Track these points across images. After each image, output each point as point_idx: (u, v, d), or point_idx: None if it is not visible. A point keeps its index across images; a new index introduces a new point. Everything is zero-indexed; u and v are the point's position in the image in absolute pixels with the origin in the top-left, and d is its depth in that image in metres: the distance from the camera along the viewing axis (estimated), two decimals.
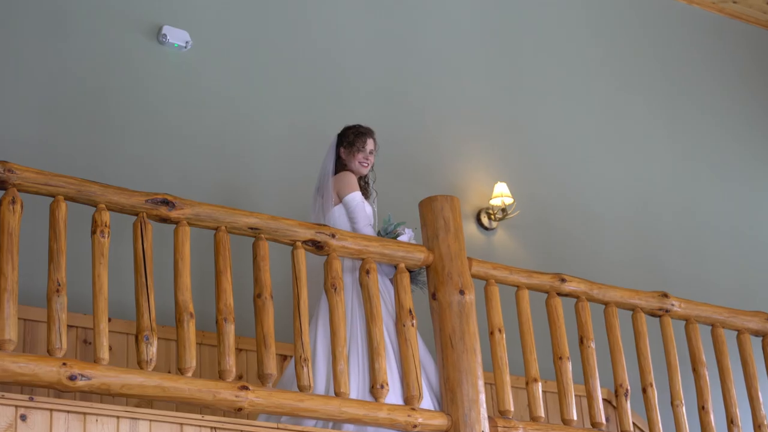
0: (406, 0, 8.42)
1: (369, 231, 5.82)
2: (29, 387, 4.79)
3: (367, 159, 6.12)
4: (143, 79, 7.02)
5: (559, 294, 5.92)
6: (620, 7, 9.58)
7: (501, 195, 8.00)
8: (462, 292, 5.49)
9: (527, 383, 5.65)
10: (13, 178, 4.57)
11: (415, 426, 5.19)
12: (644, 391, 6.02)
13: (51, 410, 4.30)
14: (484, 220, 8.03)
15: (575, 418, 5.70)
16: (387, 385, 5.24)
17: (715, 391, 6.30)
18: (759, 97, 10.04)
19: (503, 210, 8.02)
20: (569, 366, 5.77)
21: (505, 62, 8.72)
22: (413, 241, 5.82)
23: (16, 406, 4.22)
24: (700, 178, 9.38)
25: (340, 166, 6.11)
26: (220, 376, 4.83)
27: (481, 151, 8.28)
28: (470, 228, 7.94)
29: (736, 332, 6.48)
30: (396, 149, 7.49)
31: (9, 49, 6.62)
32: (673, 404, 6.08)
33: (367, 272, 5.43)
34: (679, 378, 6.12)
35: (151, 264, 4.80)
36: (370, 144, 6.14)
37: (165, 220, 4.95)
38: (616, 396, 5.92)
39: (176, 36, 7.16)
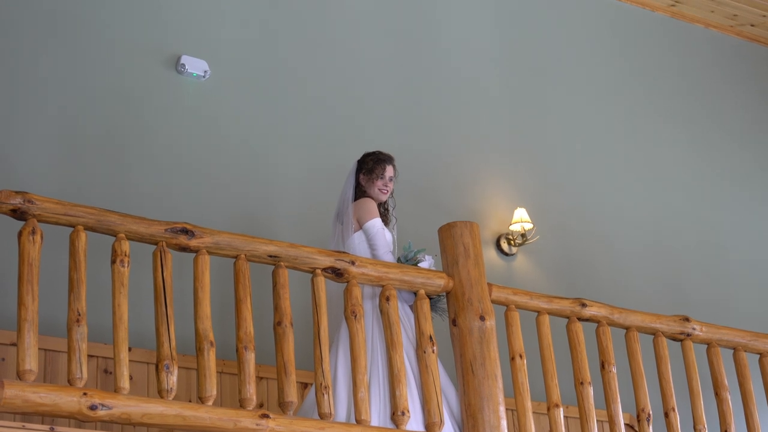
0: (425, 27, 8.44)
1: (389, 258, 5.82)
2: (50, 417, 4.79)
3: (387, 186, 6.12)
4: (162, 109, 7.05)
5: (580, 319, 5.90)
6: (641, 34, 9.59)
7: (521, 220, 7.99)
8: (482, 318, 5.48)
9: (549, 409, 5.63)
10: (33, 209, 4.59)
11: None
12: (666, 415, 5.99)
13: None
14: (504, 245, 8.02)
15: None
16: (408, 412, 5.23)
17: (737, 415, 6.27)
18: None
19: (523, 235, 8.02)
20: (591, 391, 5.74)
21: (525, 88, 8.73)
22: (433, 268, 5.81)
23: None
24: (721, 201, 9.36)
25: (360, 192, 6.12)
26: (241, 404, 4.83)
27: (501, 177, 8.28)
28: (490, 254, 7.93)
29: (758, 355, 6.45)
30: (415, 176, 7.49)
31: (29, 80, 6.65)
32: (696, 429, 6.05)
33: (387, 299, 5.42)
34: (702, 402, 6.09)
35: (171, 293, 4.80)
36: (389, 171, 6.14)
37: (185, 249, 4.96)
38: (639, 421, 5.89)
39: (195, 66, 7.19)
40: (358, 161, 6.20)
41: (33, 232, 4.55)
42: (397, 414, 5.21)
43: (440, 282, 5.56)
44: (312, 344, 5.14)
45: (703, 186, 9.31)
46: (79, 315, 4.54)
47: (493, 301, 5.61)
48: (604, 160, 8.86)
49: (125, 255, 4.74)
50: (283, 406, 4.93)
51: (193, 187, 6.95)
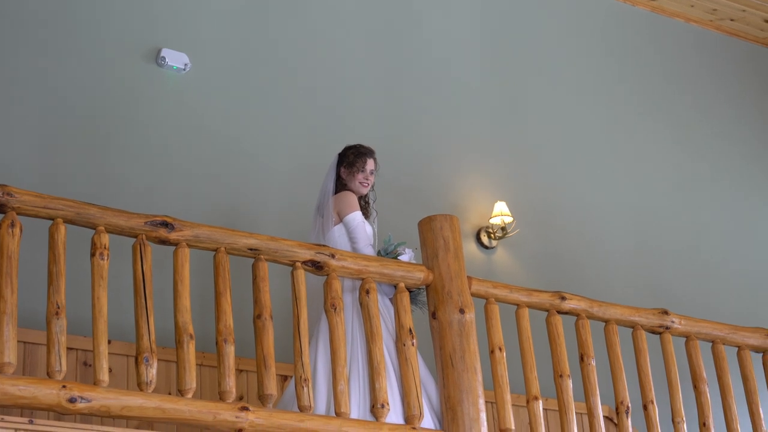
0: (408, 21, 8.45)
1: (369, 251, 5.83)
2: (29, 410, 4.79)
3: (368, 179, 6.13)
4: (142, 102, 7.04)
5: (560, 312, 5.92)
6: (620, 27, 9.60)
7: (501, 214, 8.00)
8: (462, 311, 5.49)
9: (528, 401, 5.65)
10: (12, 202, 4.58)
11: None
12: (645, 408, 6.01)
13: None
14: (484, 239, 8.04)
15: None
16: (388, 404, 5.24)
17: (716, 408, 6.30)
18: (761, 114, 10.05)
19: (503, 229, 8.03)
20: (570, 384, 5.76)
21: (505, 82, 8.74)
22: (413, 261, 5.82)
23: (16, 429, 4.23)
24: (701, 194, 9.38)
25: (341, 185, 6.12)
26: (221, 397, 4.83)
27: (481, 171, 8.29)
28: (470, 247, 7.94)
29: (736, 348, 6.48)
30: (396, 169, 7.50)
31: (7, 73, 6.63)
32: (675, 421, 6.07)
33: (367, 292, 5.43)
34: (680, 395, 6.12)
35: (150, 286, 4.80)
36: (370, 164, 6.15)
37: (164, 242, 4.96)
38: (617, 413, 5.91)
39: (175, 58, 7.18)
40: (339, 154, 6.21)
41: (12, 225, 4.55)
42: (376, 407, 5.22)
43: (420, 275, 5.58)
44: (292, 337, 5.15)
45: (683, 180, 9.34)
46: (59, 308, 4.53)
47: (472, 294, 5.63)
48: (584, 154, 8.88)
49: (105, 248, 4.74)
50: (262, 399, 4.94)
51: (174, 180, 6.94)
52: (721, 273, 9.12)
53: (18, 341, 4.53)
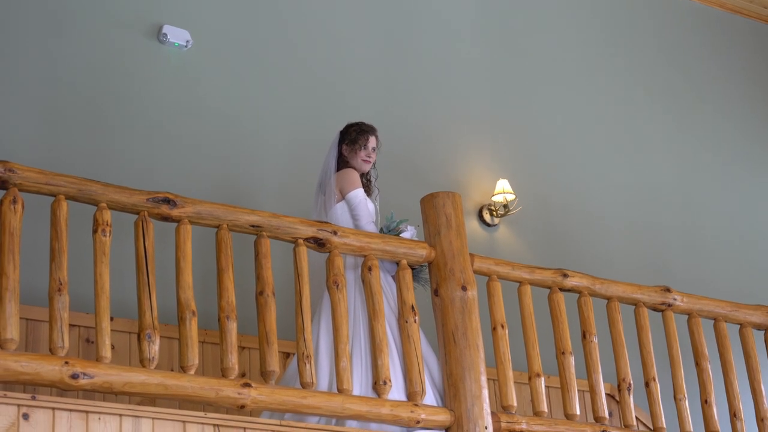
0: None
1: (371, 228, 5.83)
2: (31, 386, 4.79)
3: (370, 156, 6.13)
4: (144, 79, 7.03)
5: (562, 289, 5.92)
6: (621, 4, 9.58)
7: (503, 191, 8.00)
8: (464, 288, 5.49)
9: (530, 378, 5.65)
10: (14, 178, 4.58)
11: (418, 422, 5.20)
12: (647, 385, 6.02)
13: (53, 409, 4.30)
14: (486, 216, 8.03)
15: (578, 412, 5.70)
16: (390, 381, 5.24)
17: (717, 385, 6.30)
18: (762, 92, 10.03)
19: (505, 206, 8.02)
20: (572, 361, 5.77)
21: (507, 59, 8.73)
22: (416, 238, 5.82)
23: (19, 405, 4.23)
24: (702, 173, 9.38)
25: (343, 163, 6.12)
26: (223, 373, 4.83)
27: (483, 148, 8.29)
28: (472, 224, 7.94)
29: (738, 326, 6.49)
30: (398, 146, 7.49)
31: (9, 50, 6.62)
32: (676, 398, 6.08)
33: (369, 269, 5.43)
34: (682, 372, 6.13)
35: (152, 262, 4.80)
36: (372, 141, 6.14)
37: (166, 218, 4.95)
38: (619, 390, 5.92)
39: (177, 35, 7.17)
40: (341, 132, 6.20)
41: (14, 201, 4.54)
42: (378, 383, 5.23)
43: (422, 252, 5.57)
44: (294, 314, 5.15)
45: (684, 158, 9.33)
46: (61, 284, 4.53)
47: (475, 272, 5.63)
48: (586, 132, 8.87)
49: (107, 224, 4.74)
50: (265, 376, 4.94)
51: (176, 157, 6.94)
52: (721, 251, 9.12)
53: (20, 318, 4.53)
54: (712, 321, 6.40)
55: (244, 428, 4.74)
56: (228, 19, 7.52)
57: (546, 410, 5.63)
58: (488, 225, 8.05)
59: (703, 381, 6.18)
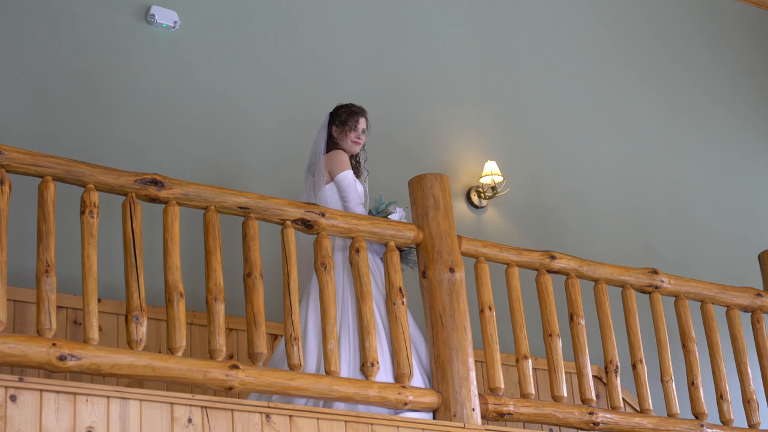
0: None
1: (360, 210, 5.83)
2: (19, 368, 4.79)
3: (360, 138, 6.12)
4: (131, 60, 7.01)
5: (549, 271, 5.93)
6: None
7: (491, 173, 8.00)
8: (452, 270, 5.50)
9: (517, 360, 5.66)
10: (1, 159, 4.56)
11: (405, 404, 5.21)
12: (634, 367, 6.03)
13: (41, 390, 4.29)
14: (474, 198, 8.04)
15: (565, 394, 5.70)
16: (377, 363, 5.25)
17: (704, 367, 6.32)
18: (751, 75, 10.04)
19: (493, 188, 8.03)
20: (559, 343, 5.78)
21: (494, 41, 8.72)
22: (404, 220, 5.82)
23: (6, 387, 4.22)
24: (691, 155, 9.39)
25: (332, 144, 6.11)
26: (211, 355, 4.84)
27: (471, 130, 8.28)
28: (460, 206, 7.95)
29: (725, 308, 6.50)
30: (387, 128, 7.49)
31: None
32: (663, 380, 6.09)
33: (357, 251, 5.43)
34: (669, 354, 6.14)
35: (140, 244, 4.79)
36: (362, 123, 6.14)
37: (154, 200, 4.94)
38: (606, 372, 5.94)
39: (165, 16, 7.15)
40: (331, 113, 6.19)
41: (1, 182, 4.53)
42: (366, 365, 5.23)
43: (410, 234, 5.58)
44: (282, 296, 5.15)
45: (673, 141, 9.34)
46: (48, 266, 4.52)
47: (462, 254, 5.63)
48: (575, 114, 8.87)
49: (94, 206, 4.73)
50: (252, 357, 4.94)
51: (164, 139, 6.93)
52: (709, 233, 9.13)
53: (7, 299, 4.52)
54: (699, 303, 6.41)
55: (232, 410, 4.73)
56: (215, 0, 7.49)
57: (533, 392, 5.64)
58: (476, 207, 8.06)
59: (690, 363, 6.20)
